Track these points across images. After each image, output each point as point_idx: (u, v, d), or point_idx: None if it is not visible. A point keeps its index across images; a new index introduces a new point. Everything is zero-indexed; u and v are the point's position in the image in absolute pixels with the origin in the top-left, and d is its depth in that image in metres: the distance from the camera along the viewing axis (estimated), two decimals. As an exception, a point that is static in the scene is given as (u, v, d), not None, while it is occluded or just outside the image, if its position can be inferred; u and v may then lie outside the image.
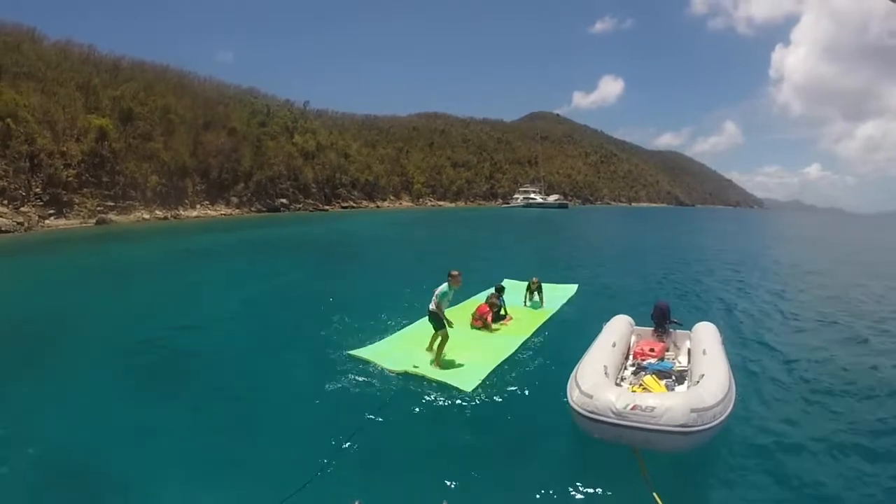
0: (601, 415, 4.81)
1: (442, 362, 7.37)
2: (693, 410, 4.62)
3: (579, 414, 5.01)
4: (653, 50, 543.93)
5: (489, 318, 9.58)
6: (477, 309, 9.84)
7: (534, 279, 11.75)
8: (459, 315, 9.33)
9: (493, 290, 10.80)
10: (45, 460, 5.02)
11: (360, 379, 6.94)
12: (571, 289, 13.26)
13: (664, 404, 4.66)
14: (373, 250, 27.59)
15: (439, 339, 7.51)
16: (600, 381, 5.29)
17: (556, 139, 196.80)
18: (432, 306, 7.52)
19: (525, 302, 11.54)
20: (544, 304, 11.45)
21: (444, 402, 6.38)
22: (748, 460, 5.16)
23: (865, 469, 5.06)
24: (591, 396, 4.97)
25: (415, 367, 7.18)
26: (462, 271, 7.84)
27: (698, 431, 4.60)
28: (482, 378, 6.86)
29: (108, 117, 47.79)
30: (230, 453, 5.18)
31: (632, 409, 4.67)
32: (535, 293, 11.68)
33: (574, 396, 5.18)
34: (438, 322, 7.51)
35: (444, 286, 7.51)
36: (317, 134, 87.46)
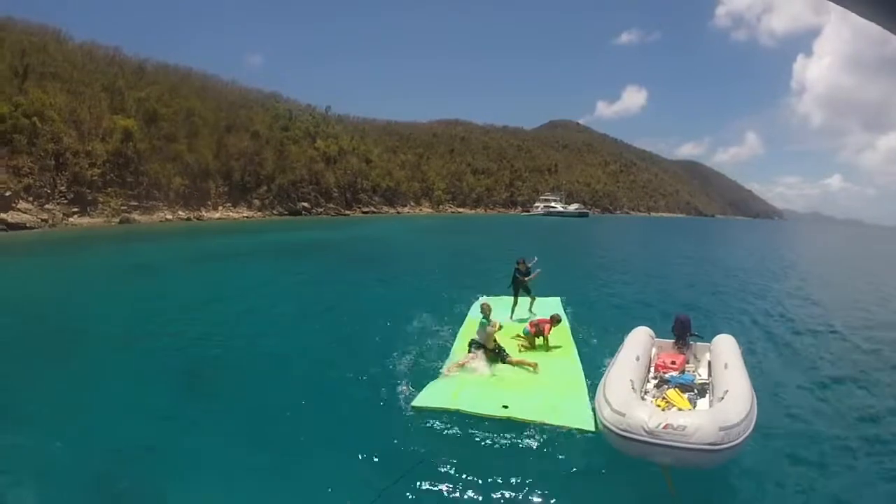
0: (634, 433, 4.80)
1: (531, 398, 6.39)
2: (721, 429, 4.68)
3: (612, 432, 5.00)
4: (677, 61, 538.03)
5: (546, 329, 8.54)
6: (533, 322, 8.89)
7: (520, 260, 10.46)
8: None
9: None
10: (74, 459, 5.08)
11: (426, 422, 5.91)
12: (556, 301, 11.94)
13: (694, 423, 4.69)
14: (402, 257, 26.94)
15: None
16: (630, 399, 5.27)
17: (576, 148, 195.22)
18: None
19: (511, 313, 10.22)
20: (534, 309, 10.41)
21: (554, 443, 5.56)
22: (769, 474, 5.24)
23: (885, 480, 5.14)
24: (623, 414, 4.96)
25: (504, 407, 6.07)
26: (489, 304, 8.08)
27: (726, 448, 4.67)
28: (591, 410, 5.87)
29: (132, 118, 47.48)
30: (257, 462, 5.15)
31: (664, 427, 4.68)
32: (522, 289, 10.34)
33: (605, 414, 5.16)
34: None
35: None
36: (338, 139, 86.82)
